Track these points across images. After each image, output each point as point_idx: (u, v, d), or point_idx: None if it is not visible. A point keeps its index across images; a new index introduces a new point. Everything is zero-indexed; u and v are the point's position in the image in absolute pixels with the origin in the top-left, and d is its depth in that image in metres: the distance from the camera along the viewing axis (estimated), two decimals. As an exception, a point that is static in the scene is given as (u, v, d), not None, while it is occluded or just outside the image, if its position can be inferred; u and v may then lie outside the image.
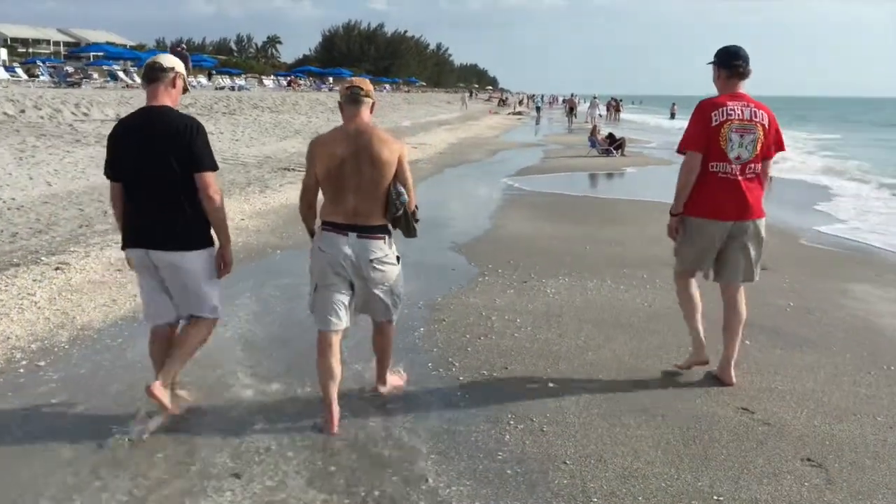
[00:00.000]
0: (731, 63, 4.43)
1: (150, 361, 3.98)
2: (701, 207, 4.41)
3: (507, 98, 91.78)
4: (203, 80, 45.64)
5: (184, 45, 47.51)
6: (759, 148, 4.36)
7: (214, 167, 3.74)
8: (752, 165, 4.38)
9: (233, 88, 40.60)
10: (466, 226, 10.12)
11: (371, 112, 3.90)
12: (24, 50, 77.70)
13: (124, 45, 71.46)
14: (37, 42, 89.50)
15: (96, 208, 9.86)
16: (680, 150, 4.47)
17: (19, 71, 35.48)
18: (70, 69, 33.86)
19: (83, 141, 15.93)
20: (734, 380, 4.55)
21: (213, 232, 3.83)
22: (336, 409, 3.83)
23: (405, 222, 3.89)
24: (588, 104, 49.75)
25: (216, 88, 40.22)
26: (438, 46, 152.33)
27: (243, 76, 48.74)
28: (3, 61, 43.95)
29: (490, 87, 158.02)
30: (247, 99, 32.49)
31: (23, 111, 18.30)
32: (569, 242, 8.93)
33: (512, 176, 16.77)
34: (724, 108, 4.33)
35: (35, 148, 14.12)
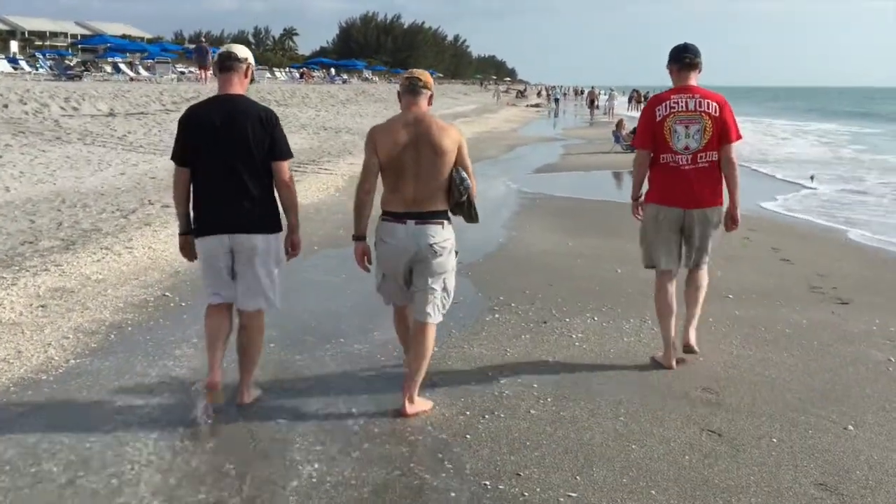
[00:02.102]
0: (679, 57, 4.65)
1: (205, 335, 4.02)
2: (656, 195, 4.68)
3: (525, 90, 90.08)
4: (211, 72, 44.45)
5: (203, 38, 46.20)
6: (707, 137, 4.51)
7: (291, 155, 3.97)
8: (705, 154, 4.54)
9: (254, 80, 39.26)
10: (476, 238, 8.70)
11: (430, 104, 3.98)
12: (40, 43, 77.27)
13: (141, 38, 70.51)
14: (54, 35, 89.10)
15: (51, 219, 8.59)
16: (633, 146, 4.83)
17: (23, 63, 34.46)
18: (72, 62, 32.83)
19: (64, 138, 14.71)
20: (694, 342, 4.79)
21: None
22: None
23: (468, 208, 3.99)
24: (607, 97, 48.16)
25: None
26: (456, 38, 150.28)
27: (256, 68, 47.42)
28: (14, 53, 43.14)
29: (508, 79, 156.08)
30: (253, 91, 31.00)
31: (6, 106, 17.11)
32: (596, 262, 7.53)
33: (529, 175, 15.39)
34: (668, 102, 4.56)
35: (7, 147, 12.88)
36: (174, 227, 8.70)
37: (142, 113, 20.40)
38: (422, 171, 3.83)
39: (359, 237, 4.05)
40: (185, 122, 3.90)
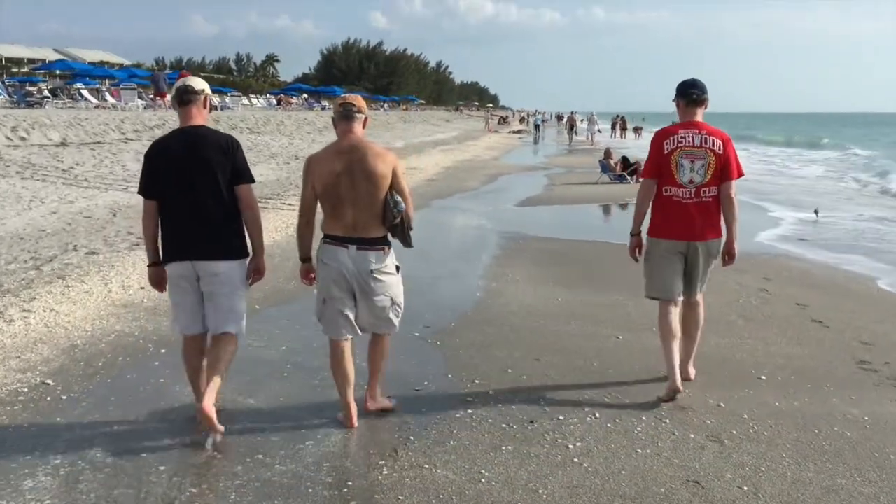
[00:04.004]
0: (687, 92, 4.72)
1: (185, 369, 4.21)
2: (656, 228, 4.73)
3: (507, 116, 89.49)
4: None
5: (155, 67, 45.86)
6: (710, 172, 4.58)
7: (253, 180, 4.06)
8: (707, 189, 4.61)
9: (214, 108, 38.01)
10: (448, 293, 7.46)
11: (364, 127, 4.07)
12: (16, 70, 75.78)
13: (120, 65, 68.98)
14: (32, 62, 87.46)
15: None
16: (640, 177, 5.05)
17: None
18: (41, 89, 31.35)
19: (0, 171, 13.34)
20: (693, 376, 4.86)
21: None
22: (354, 407, 4.10)
23: (402, 231, 4.02)
24: (586, 122, 47.34)
25: (198, 107, 37.55)
26: (438, 64, 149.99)
27: (227, 95, 45.98)
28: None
29: (490, 105, 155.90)
30: (225, 119, 29.85)
31: (-57, 136, 15.73)
32: (592, 326, 6.26)
33: (512, 209, 14.18)
34: (676, 136, 4.63)
35: (-72, 182, 11.51)
36: (92, 282, 7.40)
37: (97, 143, 19.04)
38: (358, 197, 3.92)
39: (304, 259, 4.20)
40: (150, 156, 4.03)
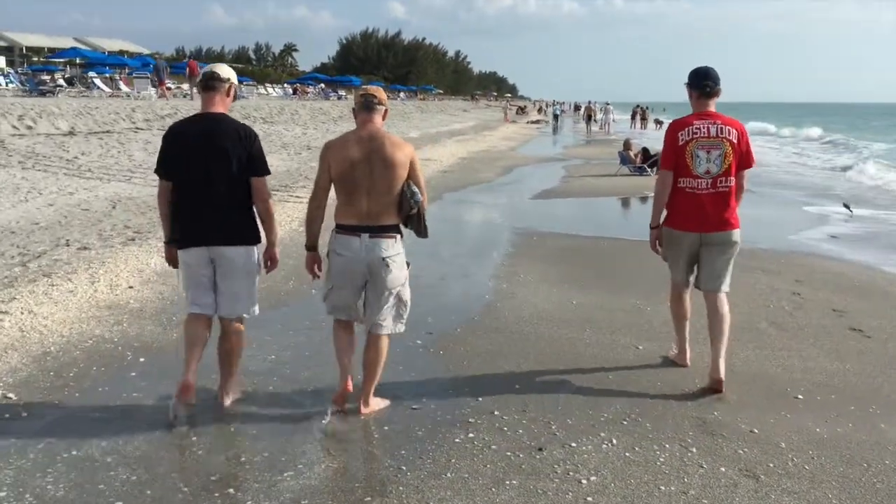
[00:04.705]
0: (701, 83, 4.69)
1: (184, 339, 4.16)
2: (671, 219, 4.77)
3: (525, 107, 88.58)
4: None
5: (158, 54, 45.81)
6: (727, 162, 4.57)
7: (268, 172, 4.12)
8: (724, 179, 4.59)
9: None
10: (455, 295, 6.98)
11: (384, 118, 4.07)
12: (36, 59, 76.02)
13: (139, 54, 68.92)
14: (52, 51, 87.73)
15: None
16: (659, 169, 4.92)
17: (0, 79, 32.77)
18: (58, 78, 31.13)
19: (2, 161, 13.02)
20: (723, 374, 4.57)
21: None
22: (349, 377, 4.18)
23: (418, 221, 4.03)
24: (602, 112, 46.55)
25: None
26: (457, 54, 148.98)
27: (242, 85, 45.73)
28: (0, 69, 41.56)
29: (509, 95, 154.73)
30: (238, 108, 29.46)
31: (-53, 125, 15.45)
32: (609, 334, 5.76)
33: (527, 202, 13.66)
34: (691, 128, 4.61)
35: (-75, 172, 11.19)
36: (79, 280, 6.95)
37: (106, 132, 18.71)
38: (374, 185, 3.92)
39: (310, 247, 4.17)
40: (167, 138, 4.08)
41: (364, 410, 4.16)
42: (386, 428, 4.06)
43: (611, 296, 6.90)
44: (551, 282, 7.42)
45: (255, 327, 5.65)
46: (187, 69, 33.87)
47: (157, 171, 4.14)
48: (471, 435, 3.97)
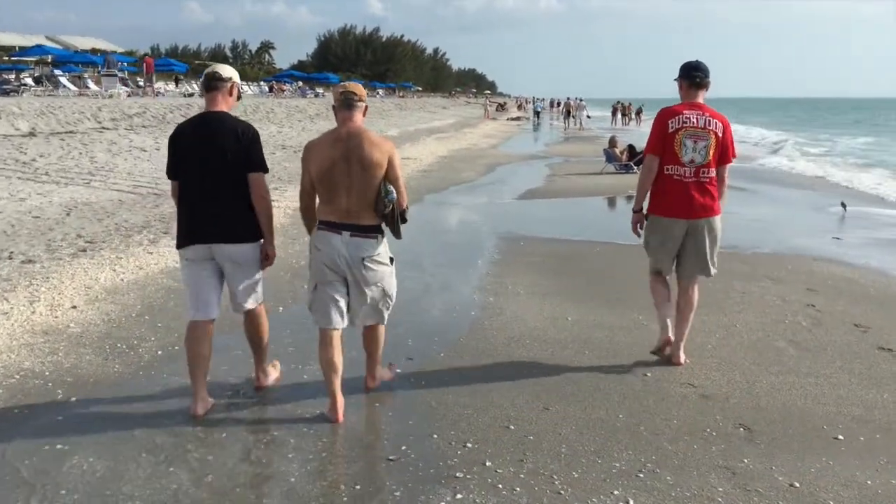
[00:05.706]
0: (690, 74, 4.80)
1: (187, 357, 4.13)
2: (658, 206, 4.83)
3: (505, 103, 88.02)
4: (171, 86, 41.54)
5: (108, 52, 44.64)
6: (711, 154, 4.69)
7: (266, 169, 4.13)
8: (706, 170, 4.71)
9: (201, 95, 36.74)
10: (437, 312, 6.29)
11: (363, 115, 4.07)
12: (7, 58, 74.39)
13: (113, 52, 67.58)
14: (24, 49, 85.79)
15: None
16: (644, 154, 4.96)
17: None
18: (10, 76, 30.01)
19: (-49, 165, 12.18)
20: (682, 360, 4.88)
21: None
22: (340, 399, 4.03)
23: (393, 221, 4.00)
24: (576, 107, 45.97)
25: (185, 95, 36.17)
26: (436, 51, 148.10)
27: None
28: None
29: (488, 92, 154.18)
30: (211, 107, 28.61)
31: None
32: (612, 357, 5.12)
33: (511, 203, 13.02)
34: (680, 116, 4.72)
35: None
36: (16, 300, 6.08)
37: (69, 132, 17.84)
38: (353, 184, 3.92)
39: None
40: (172, 139, 4.15)
41: (371, 384, 4.42)
42: (357, 487, 3.39)
43: (608, 310, 6.26)
44: (542, 294, 6.76)
45: (237, 338, 4.97)
46: (143, 65, 33.02)
47: (167, 173, 4.21)
48: (458, 496, 3.30)
